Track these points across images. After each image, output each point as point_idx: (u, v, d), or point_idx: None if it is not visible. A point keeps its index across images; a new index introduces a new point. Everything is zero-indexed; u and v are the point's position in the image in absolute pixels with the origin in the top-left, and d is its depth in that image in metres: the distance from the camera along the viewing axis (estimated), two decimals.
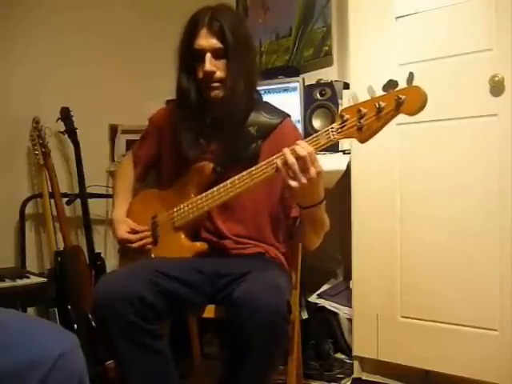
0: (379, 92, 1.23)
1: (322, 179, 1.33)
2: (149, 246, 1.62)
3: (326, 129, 1.31)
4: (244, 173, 1.41)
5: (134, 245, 1.61)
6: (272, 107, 1.64)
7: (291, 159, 1.29)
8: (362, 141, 1.26)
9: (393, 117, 1.22)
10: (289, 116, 1.64)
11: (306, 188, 1.30)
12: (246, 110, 1.55)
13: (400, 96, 1.19)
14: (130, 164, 1.80)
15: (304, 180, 1.28)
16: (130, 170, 1.79)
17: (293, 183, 1.30)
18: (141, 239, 1.62)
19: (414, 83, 1.20)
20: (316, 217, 1.44)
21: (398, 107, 1.19)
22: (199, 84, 1.53)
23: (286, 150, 1.31)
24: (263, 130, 1.56)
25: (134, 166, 1.79)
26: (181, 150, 1.55)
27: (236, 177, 1.42)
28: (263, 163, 1.38)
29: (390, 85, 1.22)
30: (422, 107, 1.19)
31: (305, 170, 1.28)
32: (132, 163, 1.79)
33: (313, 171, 1.28)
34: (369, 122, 1.23)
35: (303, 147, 1.29)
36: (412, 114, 1.20)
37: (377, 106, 1.21)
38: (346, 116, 1.27)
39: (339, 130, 1.28)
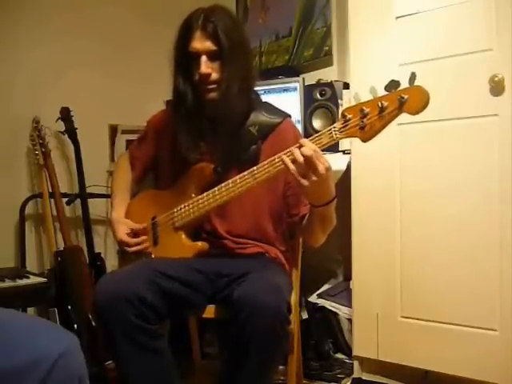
0: (382, 92, 1.23)
1: (332, 175, 1.33)
2: (149, 248, 1.62)
3: (328, 128, 1.31)
4: (246, 172, 1.41)
5: (132, 249, 1.61)
6: (273, 107, 1.64)
7: (300, 157, 1.28)
8: (365, 140, 1.27)
9: (395, 116, 1.22)
10: (289, 116, 1.65)
11: (317, 186, 1.30)
12: (244, 110, 1.55)
13: (403, 95, 1.19)
14: (127, 164, 1.80)
15: (314, 177, 1.28)
16: (127, 171, 1.78)
17: (304, 182, 1.30)
18: (140, 243, 1.61)
19: (416, 83, 1.20)
20: (327, 214, 1.44)
21: (401, 107, 1.20)
22: (195, 86, 1.53)
23: (294, 148, 1.30)
24: (264, 130, 1.56)
25: (131, 168, 1.79)
26: (179, 151, 1.56)
27: (237, 176, 1.43)
28: (265, 162, 1.38)
29: (392, 85, 1.22)
30: (424, 106, 1.19)
31: (312, 168, 1.28)
32: (129, 164, 1.79)
33: (321, 167, 1.28)
34: (371, 121, 1.24)
35: (307, 146, 1.28)
36: (415, 113, 1.20)
37: (379, 105, 1.22)
38: (349, 115, 1.27)
39: (342, 130, 1.29)
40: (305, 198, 1.48)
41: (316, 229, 1.50)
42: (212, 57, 1.49)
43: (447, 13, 1.89)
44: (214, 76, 1.50)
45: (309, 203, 1.46)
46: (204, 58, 1.49)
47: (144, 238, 1.62)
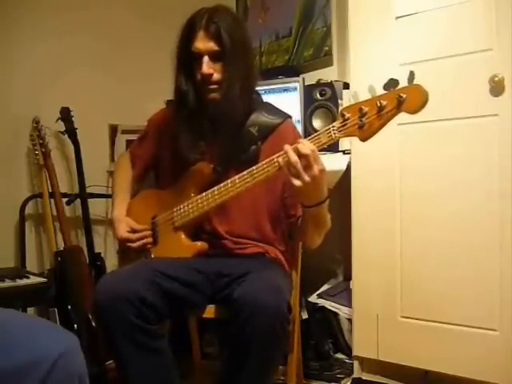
0: (380, 91, 1.24)
1: (326, 178, 1.33)
2: (149, 246, 1.62)
3: (327, 127, 1.31)
4: (245, 172, 1.41)
5: (134, 244, 1.61)
6: (273, 107, 1.64)
7: (294, 157, 1.29)
8: (363, 139, 1.27)
9: (394, 115, 1.22)
10: (290, 117, 1.65)
11: (309, 187, 1.30)
12: (245, 111, 1.56)
13: (401, 94, 1.20)
14: (127, 163, 1.80)
15: (307, 178, 1.28)
16: (128, 170, 1.79)
17: (296, 182, 1.30)
18: (141, 239, 1.61)
19: (415, 82, 1.20)
20: (319, 216, 1.44)
21: (399, 106, 1.20)
22: (197, 86, 1.53)
23: (288, 148, 1.30)
24: (264, 130, 1.57)
25: (132, 166, 1.79)
26: (180, 151, 1.56)
27: (237, 176, 1.43)
28: (264, 162, 1.38)
29: (391, 84, 1.22)
30: (423, 105, 1.20)
31: (308, 168, 1.28)
32: (130, 163, 1.80)
33: (315, 169, 1.28)
34: (370, 120, 1.24)
35: (305, 145, 1.29)
36: (413, 112, 1.21)
37: (378, 104, 1.22)
38: (348, 115, 1.27)
39: (340, 129, 1.29)
40: (296, 197, 1.48)
41: (309, 230, 1.50)
42: (214, 57, 1.50)
43: (447, 13, 1.89)
44: (216, 76, 1.51)
45: (301, 203, 1.46)
46: (206, 59, 1.49)
47: (146, 233, 1.62)
